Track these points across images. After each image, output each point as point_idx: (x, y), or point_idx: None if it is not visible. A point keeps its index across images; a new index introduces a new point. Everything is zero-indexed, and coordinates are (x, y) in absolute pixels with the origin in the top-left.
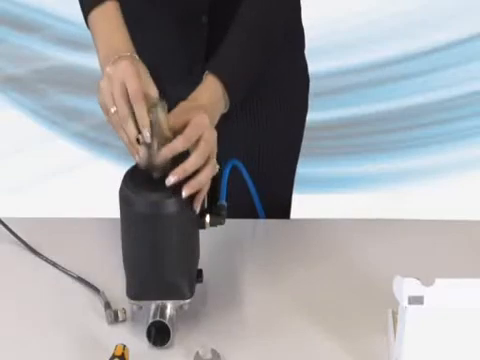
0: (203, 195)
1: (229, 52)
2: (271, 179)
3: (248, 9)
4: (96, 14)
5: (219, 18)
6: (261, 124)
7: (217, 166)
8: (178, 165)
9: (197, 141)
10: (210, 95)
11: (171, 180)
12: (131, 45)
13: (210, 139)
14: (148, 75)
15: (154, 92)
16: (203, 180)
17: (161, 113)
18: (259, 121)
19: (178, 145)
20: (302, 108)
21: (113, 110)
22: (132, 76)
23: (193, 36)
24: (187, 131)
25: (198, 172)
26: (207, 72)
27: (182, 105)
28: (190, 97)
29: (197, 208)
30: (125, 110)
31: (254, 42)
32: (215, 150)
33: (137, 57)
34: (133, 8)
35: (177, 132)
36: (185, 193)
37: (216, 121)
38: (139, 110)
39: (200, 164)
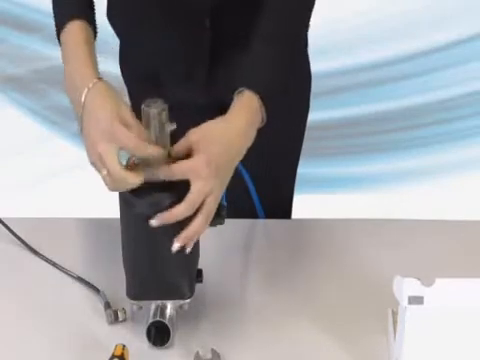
0: (194, 241)
1: (258, 66)
2: (272, 179)
3: (269, 20)
4: (63, 35)
5: (222, 22)
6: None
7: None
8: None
9: (201, 204)
10: (246, 113)
11: (176, 247)
12: (92, 69)
13: (212, 204)
14: (119, 96)
15: (128, 115)
16: (198, 232)
17: (157, 118)
18: None
19: (182, 210)
20: (304, 108)
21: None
22: (125, 135)
23: (195, 39)
24: (191, 198)
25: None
26: (241, 88)
27: (217, 126)
28: (227, 117)
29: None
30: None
31: (279, 53)
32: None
33: (100, 81)
34: (135, 10)
35: (193, 146)
36: (174, 248)
37: (253, 137)
38: (151, 152)
39: (203, 229)
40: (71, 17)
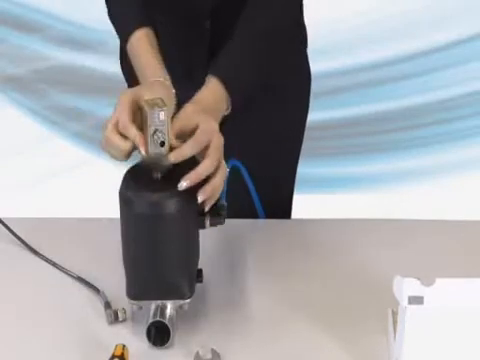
0: (215, 198)
1: (231, 55)
2: (272, 179)
3: (252, 13)
4: (130, 44)
5: (222, 23)
6: (262, 123)
7: (227, 169)
8: (181, 165)
9: (207, 146)
10: (214, 97)
11: (184, 185)
12: (159, 70)
13: (219, 144)
14: (173, 98)
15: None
16: (217, 184)
17: (162, 116)
18: (260, 120)
19: (187, 150)
20: (304, 107)
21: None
22: (122, 110)
23: (195, 41)
24: (197, 136)
25: (210, 177)
26: (209, 74)
27: (187, 108)
28: (194, 99)
29: (207, 207)
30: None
31: (257, 46)
32: (223, 154)
33: (164, 81)
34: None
35: (184, 136)
36: (201, 198)
37: (218, 123)
38: (129, 134)
39: (212, 168)
40: (136, 25)
